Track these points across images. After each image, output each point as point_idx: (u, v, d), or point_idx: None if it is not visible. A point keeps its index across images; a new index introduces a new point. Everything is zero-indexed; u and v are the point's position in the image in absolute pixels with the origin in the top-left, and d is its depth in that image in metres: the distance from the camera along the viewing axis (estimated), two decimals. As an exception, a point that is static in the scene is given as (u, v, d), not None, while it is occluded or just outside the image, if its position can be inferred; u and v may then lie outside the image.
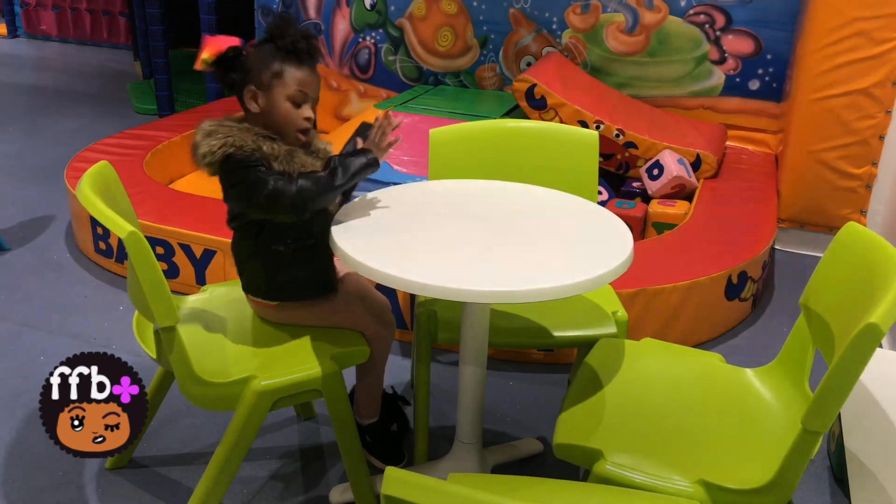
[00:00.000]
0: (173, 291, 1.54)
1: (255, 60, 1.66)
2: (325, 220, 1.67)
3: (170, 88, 4.92)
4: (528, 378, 2.45)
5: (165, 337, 1.54)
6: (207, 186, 3.53)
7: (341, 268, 1.85)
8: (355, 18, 4.42)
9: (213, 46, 1.66)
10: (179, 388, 1.62)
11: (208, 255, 2.77)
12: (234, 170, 1.61)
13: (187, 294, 1.97)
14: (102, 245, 3.04)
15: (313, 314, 1.79)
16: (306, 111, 1.67)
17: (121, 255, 3.00)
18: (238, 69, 1.66)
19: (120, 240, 1.42)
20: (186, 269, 2.82)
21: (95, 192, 1.54)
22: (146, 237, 1.47)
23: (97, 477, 1.96)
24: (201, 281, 2.80)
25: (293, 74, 1.65)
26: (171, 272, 2.83)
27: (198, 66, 1.67)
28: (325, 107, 4.55)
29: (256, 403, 1.65)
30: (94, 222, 3.02)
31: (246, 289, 1.81)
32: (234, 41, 1.67)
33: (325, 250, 1.65)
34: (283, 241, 1.71)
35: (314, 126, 1.74)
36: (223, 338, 1.78)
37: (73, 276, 3.02)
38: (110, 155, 3.48)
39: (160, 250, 2.81)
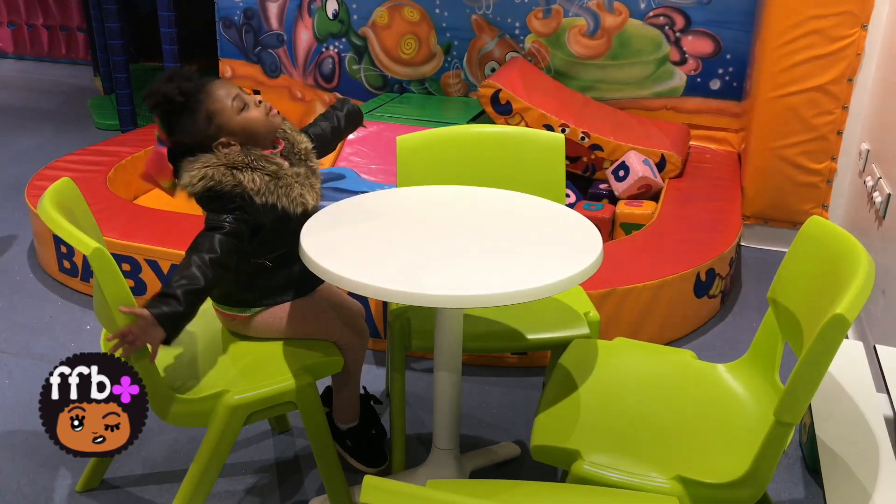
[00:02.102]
0: (141, 308, 1.52)
1: (188, 133, 1.64)
2: (298, 229, 1.66)
3: (132, 103, 4.86)
4: (503, 382, 2.45)
5: (134, 354, 1.52)
6: (173, 202, 3.46)
7: None
8: (318, 28, 4.40)
9: (162, 174, 1.64)
10: (150, 405, 1.60)
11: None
12: (211, 201, 1.61)
13: (156, 310, 1.94)
14: (67, 264, 2.99)
15: (284, 326, 1.77)
16: (255, 100, 1.69)
17: (86, 273, 2.95)
18: (193, 151, 1.64)
19: (85, 258, 1.40)
20: (154, 286, 2.77)
21: (58, 210, 1.52)
22: (112, 254, 1.45)
23: (68, 500, 1.92)
24: (170, 297, 2.76)
25: (213, 100, 1.64)
26: (139, 289, 2.78)
27: (177, 195, 1.65)
28: (290, 117, 4.50)
29: (230, 418, 1.63)
30: (58, 241, 2.97)
31: (217, 300, 1.79)
32: (162, 152, 1.64)
33: (297, 257, 1.64)
34: (255, 253, 1.70)
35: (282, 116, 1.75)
36: (194, 353, 1.76)
37: (37, 297, 2.96)
38: (72, 172, 3.42)
39: (126, 267, 2.77)
